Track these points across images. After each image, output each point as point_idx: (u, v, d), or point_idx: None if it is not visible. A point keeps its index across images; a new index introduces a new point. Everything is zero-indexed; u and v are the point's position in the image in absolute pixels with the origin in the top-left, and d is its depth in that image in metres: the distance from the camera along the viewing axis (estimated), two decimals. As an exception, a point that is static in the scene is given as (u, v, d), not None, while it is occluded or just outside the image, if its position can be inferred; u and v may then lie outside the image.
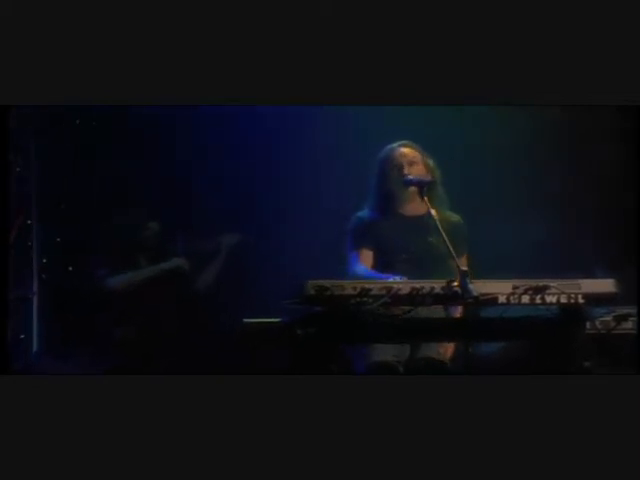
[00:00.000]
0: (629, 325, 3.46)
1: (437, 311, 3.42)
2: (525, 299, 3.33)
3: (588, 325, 3.41)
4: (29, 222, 5.24)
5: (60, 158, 5.30)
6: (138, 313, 4.64)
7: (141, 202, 4.90)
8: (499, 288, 3.34)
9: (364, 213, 3.90)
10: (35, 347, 5.18)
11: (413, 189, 3.73)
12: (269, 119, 4.85)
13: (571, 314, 3.38)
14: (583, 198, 5.01)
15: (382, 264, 3.74)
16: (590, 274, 3.57)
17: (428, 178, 3.77)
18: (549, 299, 3.34)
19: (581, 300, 3.34)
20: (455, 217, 3.92)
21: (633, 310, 3.45)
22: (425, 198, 3.60)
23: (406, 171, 3.79)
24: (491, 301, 3.32)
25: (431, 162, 3.89)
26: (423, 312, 3.31)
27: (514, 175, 4.89)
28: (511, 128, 4.91)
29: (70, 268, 5.19)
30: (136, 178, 5.05)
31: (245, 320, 3.29)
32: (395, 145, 3.89)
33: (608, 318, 3.45)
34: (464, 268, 3.33)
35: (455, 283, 3.30)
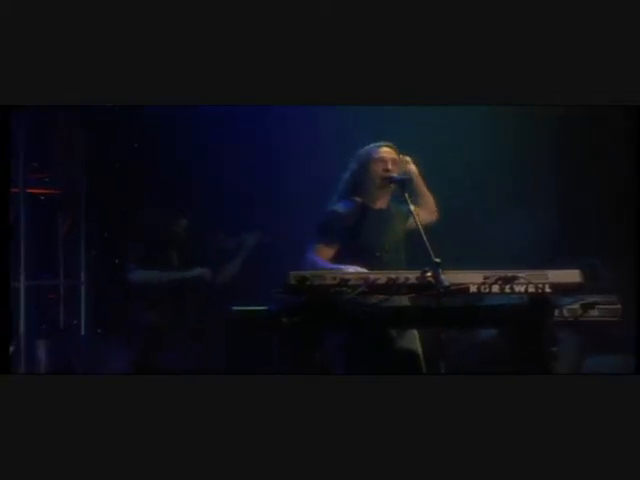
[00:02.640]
0: (595, 313, 3.49)
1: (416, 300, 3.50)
2: (495, 289, 3.41)
3: (556, 312, 3.47)
4: (78, 219, 5.56)
5: (106, 158, 5.58)
6: (158, 303, 4.88)
7: (173, 200, 5.12)
8: (471, 278, 3.42)
9: (338, 207, 3.92)
10: (83, 331, 5.48)
11: (390, 186, 3.83)
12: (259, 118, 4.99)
13: (540, 302, 3.43)
14: (583, 198, 4.99)
15: (353, 255, 3.77)
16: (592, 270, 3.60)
17: (408, 176, 3.86)
18: (518, 289, 3.41)
19: (548, 289, 3.40)
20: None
21: (599, 299, 3.49)
22: (406, 194, 3.72)
23: (389, 169, 3.87)
24: (463, 291, 3.42)
25: (407, 162, 3.95)
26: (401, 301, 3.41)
27: (518, 175, 4.91)
28: (510, 127, 4.92)
29: (116, 260, 5.46)
30: (172, 177, 5.28)
31: (234, 308, 3.44)
32: (376, 144, 3.95)
33: (575, 306, 3.50)
34: (437, 260, 3.41)
35: (429, 274, 3.39)
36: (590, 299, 3.45)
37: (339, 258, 3.78)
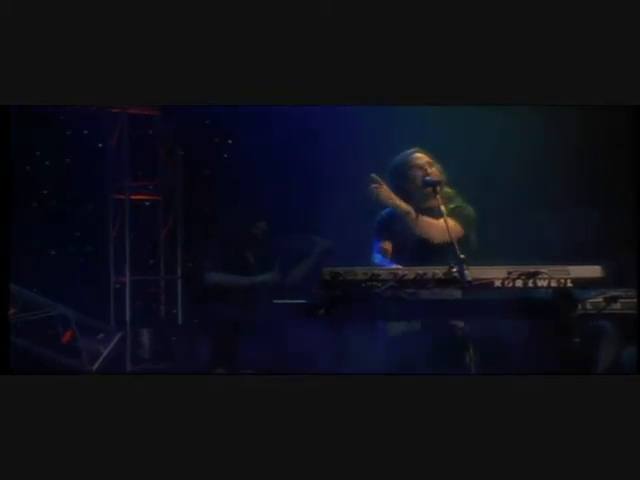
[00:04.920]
0: (618, 306, 3.43)
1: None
2: (518, 283, 3.43)
3: (579, 306, 3.43)
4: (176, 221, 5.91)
5: (198, 166, 5.88)
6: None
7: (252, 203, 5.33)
8: (495, 273, 3.46)
9: (387, 210, 4.03)
10: (180, 320, 5.80)
11: (428, 188, 3.89)
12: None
13: (562, 296, 3.41)
14: (584, 197, 4.85)
15: (399, 252, 3.91)
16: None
17: (439, 179, 3.93)
18: (540, 283, 3.42)
19: (570, 284, 3.39)
20: (462, 208, 3.99)
21: (622, 292, 3.43)
22: (438, 196, 3.78)
23: (428, 173, 3.96)
24: (488, 285, 3.45)
25: (439, 166, 4.02)
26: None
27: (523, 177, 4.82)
28: (512, 128, 4.84)
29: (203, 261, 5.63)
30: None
31: (275, 301, 3.60)
32: (409, 151, 4.04)
33: (599, 299, 3.44)
34: (462, 256, 3.46)
35: (454, 269, 3.44)
36: (612, 293, 3.40)
37: (395, 256, 3.89)
